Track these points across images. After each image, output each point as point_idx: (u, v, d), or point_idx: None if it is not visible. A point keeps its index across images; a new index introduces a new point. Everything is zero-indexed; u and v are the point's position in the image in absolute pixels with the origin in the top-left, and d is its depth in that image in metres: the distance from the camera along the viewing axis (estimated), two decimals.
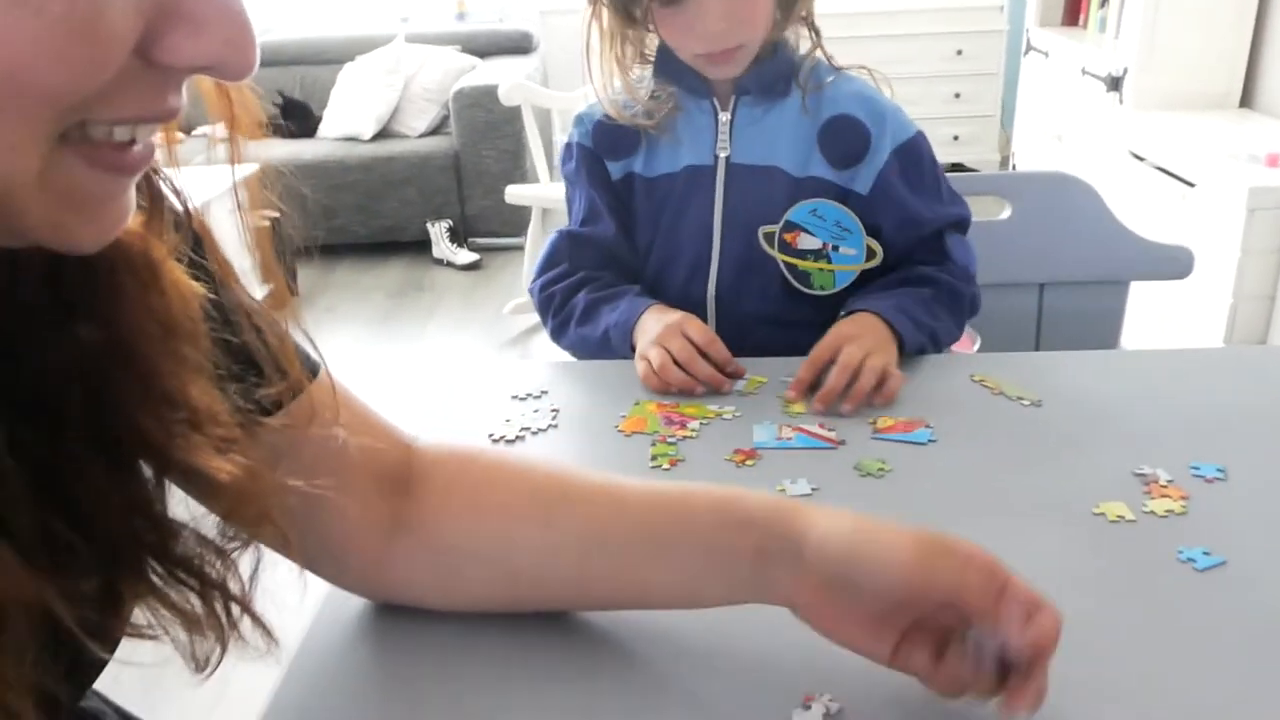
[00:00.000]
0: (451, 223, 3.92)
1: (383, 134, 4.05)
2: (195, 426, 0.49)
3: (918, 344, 1.06)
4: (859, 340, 1.01)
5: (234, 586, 0.52)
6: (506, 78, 3.36)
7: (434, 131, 4.08)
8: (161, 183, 0.48)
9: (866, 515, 0.58)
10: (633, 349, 1.07)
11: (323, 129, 4.12)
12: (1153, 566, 0.72)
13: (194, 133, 0.50)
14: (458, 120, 3.88)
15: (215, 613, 0.51)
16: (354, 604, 0.71)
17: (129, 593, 0.49)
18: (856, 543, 0.57)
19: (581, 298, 1.14)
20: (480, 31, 4.39)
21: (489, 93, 3.63)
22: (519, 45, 4.36)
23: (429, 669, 0.65)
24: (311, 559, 0.63)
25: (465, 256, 3.86)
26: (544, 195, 3.21)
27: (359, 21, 4.58)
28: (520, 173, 3.89)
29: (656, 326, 1.04)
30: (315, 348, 0.62)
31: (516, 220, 3.84)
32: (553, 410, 0.99)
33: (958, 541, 0.56)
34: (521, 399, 1.01)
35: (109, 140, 0.37)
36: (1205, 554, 0.72)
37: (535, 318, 3.26)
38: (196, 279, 0.50)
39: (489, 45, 4.32)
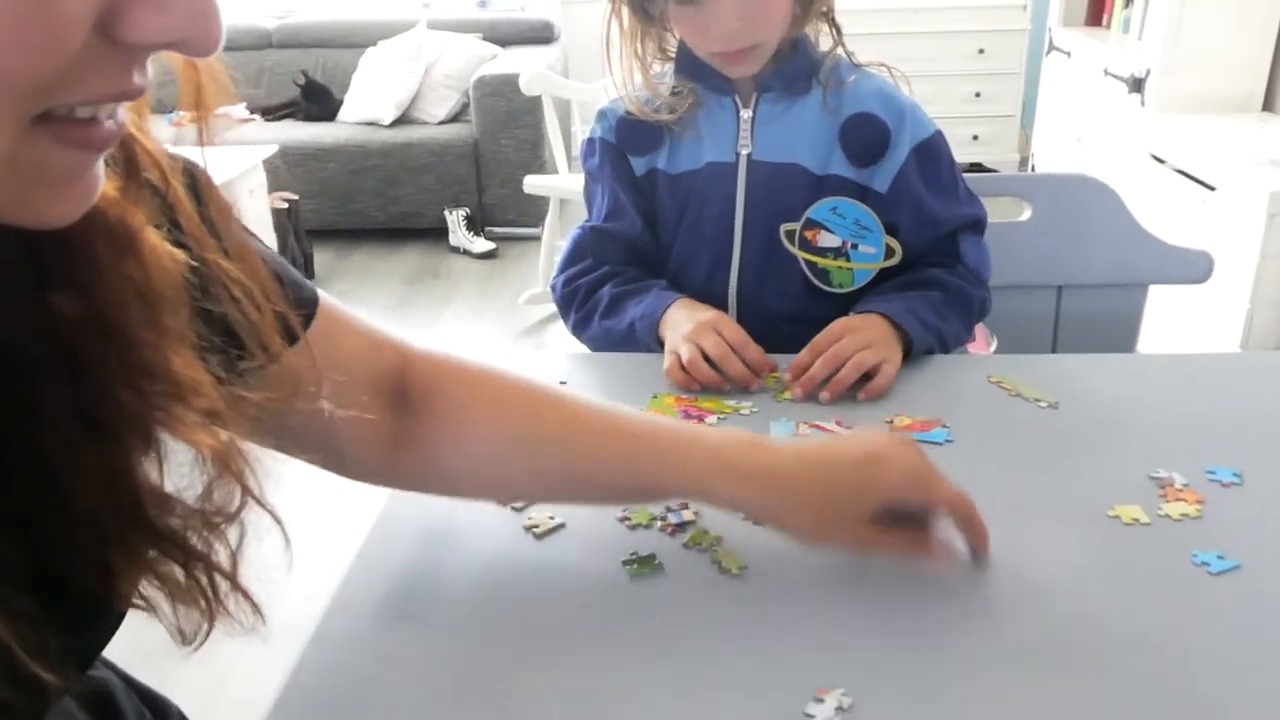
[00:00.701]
0: (469, 211, 3.93)
1: (403, 120, 4.06)
2: (177, 398, 0.48)
3: (925, 345, 1.06)
4: (858, 334, 1.02)
5: (219, 558, 0.52)
6: (527, 67, 3.37)
7: (454, 119, 4.09)
8: (137, 147, 0.47)
9: (778, 470, 0.70)
10: (658, 342, 1.07)
11: (343, 113, 4.14)
12: (1167, 570, 0.73)
13: (171, 115, 0.51)
14: (478, 108, 3.89)
15: (200, 584, 0.51)
16: (367, 592, 0.72)
17: (120, 563, 0.49)
18: (762, 521, 0.73)
19: (606, 291, 1.14)
20: (502, 20, 4.40)
21: (509, 82, 3.64)
22: (540, 35, 4.36)
23: (442, 656, 0.66)
24: (320, 462, 0.68)
25: (481, 245, 3.87)
26: (562, 186, 3.22)
27: (381, 6, 4.59)
28: (539, 163, 3.90)
29: (688, 323, 1.05)
30: (303, 287, 0.65)
31: (534, 210, 3.85)
32: None
33: (863, 485, 0.70)
34: None
35: (72, 117, 0.37)
36: (1220, 558, 0.73)
37: (550, 309, 3.29)
38: (180, 245, 0.49)
39: (510, 34, 4.33)
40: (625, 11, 1.11)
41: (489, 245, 3.88)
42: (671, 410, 0.97)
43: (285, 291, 0.58)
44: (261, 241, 0.61)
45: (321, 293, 0.68)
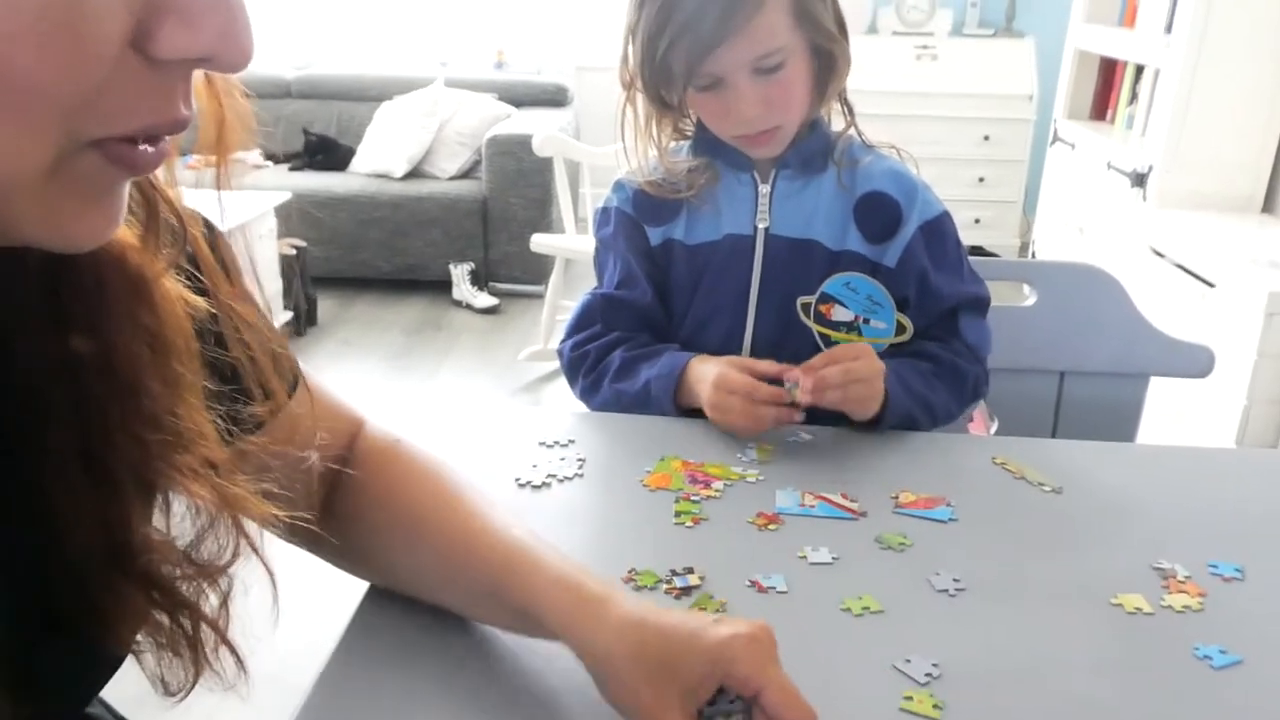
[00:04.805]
0: (474, 265, 3.96)
1: (414, 173, 4.11)
2: (179, 447, 0.48)
3: (904, 408, 1.08)
4: (872, 364, 1.04)
5: (206, 609, 0.52)
6: (541, 129, 3.43)
7: (464, 175, 4.14)
8: (159, 196, 0.48)
9: (631, 637, 0.60)
10: (673, 401, 1.09)
11: (355, 164, 4.19)
12: (1169, 661, 0.73)
13: (188, 157, 0.51)
14: (489, 166, 3.94)
15: (186, 635, 0.51)
16: (372, 637, 0.72)
17: (111, 608, 0.48)
18: (599, 683, 0.61)
19: (618, 355, 1.16)
20: (518, 82, 4.48)
21: (522, 142, 3.69)
22: (554, 98, 4.44)
23: (444, 705, 0.66)
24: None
25: (485, 300, 3.89)
26: (568, 246, 3.25)
27: (399, 63, 4.68)
28: (546, 221, 3.94)
29: (713, 369, 1.07)
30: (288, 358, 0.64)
31: (538, 268, 3.88)
32: (579, 459, 1.00)
33: (686, 663, 0.59)
34: (549, 446, 1.03)
35: (114, 136, 0.38)
36: (1222, 652, 0.73)
37: (549, 366, 3.31)
38: (199, 291, 0.50)
39: (525, 95, 4.40)
40: (640, 99, 1.14)
41: (492, 301, 3.90)
42: (678, 473, 0.98)
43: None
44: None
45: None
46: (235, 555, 0.52)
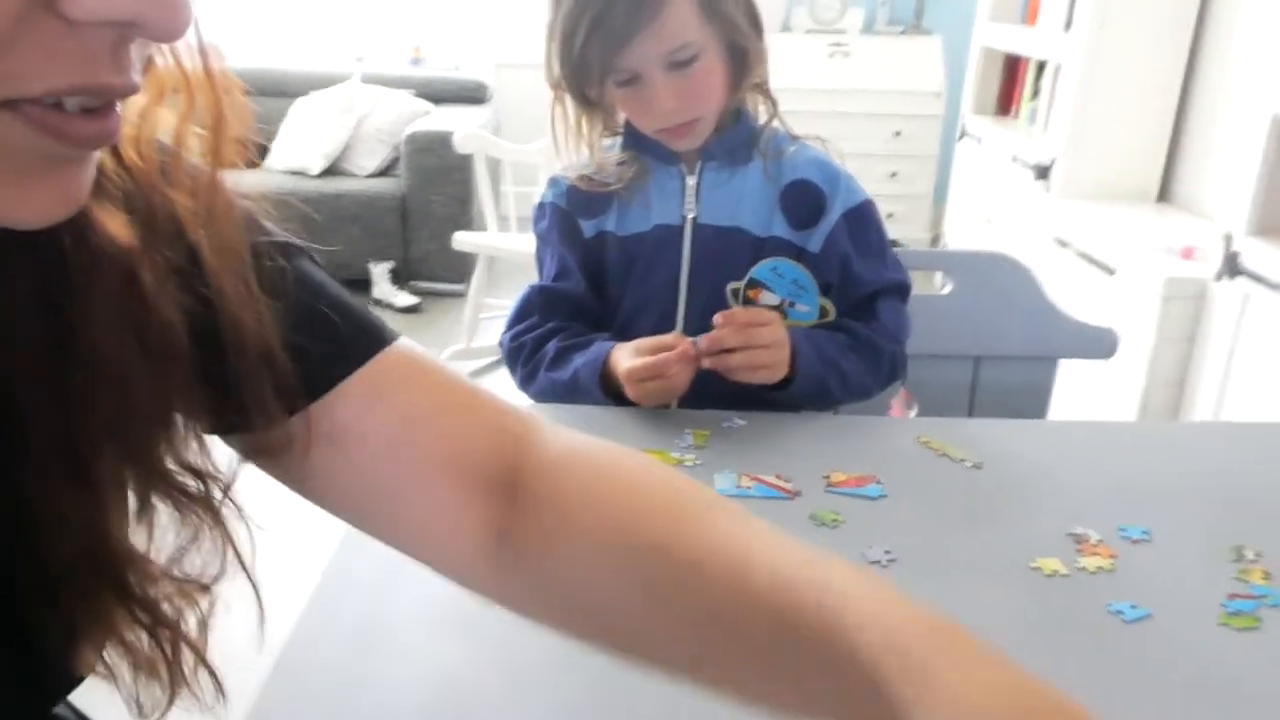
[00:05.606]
0: (394, 264, 3.93)
1: (331, 171, 4.06)
2: (165, 452, 0.47)
3: (815, 370, 1.13)
4: (776, 331, 1.09)
5: (188, 629, 0.49)
6: (461, 126, 3.42)
7: (383, 172, 4.11)
8: (157, 197, 0.46)
9: (1007, 689, 0.42)
10: (600, 388, 1.12)
11: (270, 161, 4.12)
12: (1085, 617, 0.78)
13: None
14: (408, 163, 3.91)
15: (165, 655, 0.49)
16: (331, 620, 0.74)
17: (86, 624, 0.47)
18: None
19: (552, 345, 1.19)
20: (436, 78, 4.45)
21: (442, 139, 3.68)
22: (473, 95, 4.42)
23: (412, 683, 0.68)
24: (403, 549, 0.57)
25: (405, 299, 3.87)
26: (491, 244, 3.25)
27: (314, 58, 4.61)
28: (467, 219, 3.93)
29: (624, 358, 1.11)
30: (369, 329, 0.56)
31: (459, 266, 3.87)
32: None
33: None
34: None
35: (43, 103, 0.35)
36: (1133, 607, 0.79)
37: (475, 364, 3.31)
38: (200, 295, 0.47)
39: (443, 92, 4.37)
40: (568, 100, 1.17)
41: (413, 299, 3.88)
42: None
43: (315, 343, 0.52)
44: (321, 282, 0.57)
45: (405, 343, 0.58)
46: (222, 571, 0.49)
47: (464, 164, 3.73)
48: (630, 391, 1.09)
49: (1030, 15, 3.59)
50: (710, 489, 0.56)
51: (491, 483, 0.55)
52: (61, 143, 0.36)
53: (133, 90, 0.37)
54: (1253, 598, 0.80)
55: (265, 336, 0.49)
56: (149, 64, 0.40)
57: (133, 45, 0.36)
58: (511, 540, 0.54)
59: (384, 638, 0.73)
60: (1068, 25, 3.13)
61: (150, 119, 0.45)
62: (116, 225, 0.43)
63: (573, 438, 0.58)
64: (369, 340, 0.56)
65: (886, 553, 0.86)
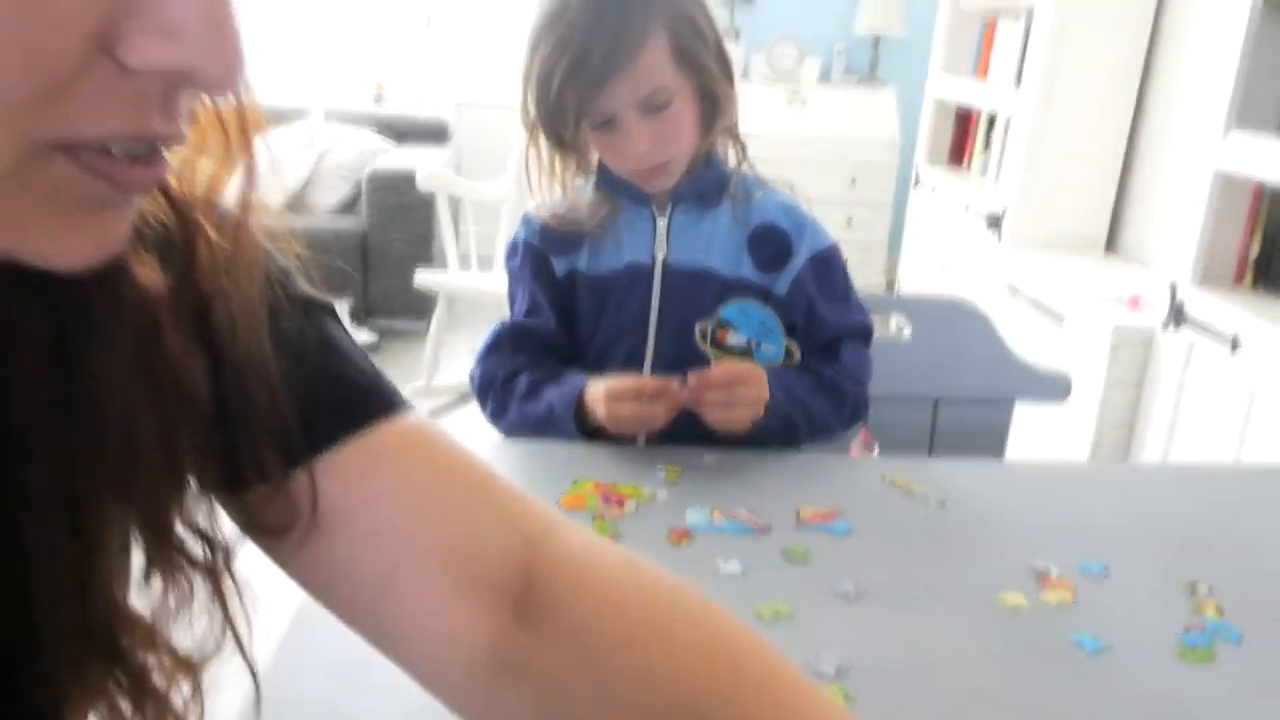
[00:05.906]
0: (353, 301, 3.92)
1: (291, 206, 4.05)
2: (168, 507, 0.45)
3: (784, 410, 1.15)
4: (761, 390, 1.12)
5: (176, 704, 0.46)
6: (422, 164, 3.44)
7: (343, 209, 4.11)
8: (200, 243, 0.45)
9: None
10: (575, 420, 1.14)
11: (228, 194, 4.09)
12: (1047, 650, 0.81)
13: None
14: (369, 201, 3.92)
15: None
16: (308, 651, 0.74)
17: (71, 688, 0.44)
18: None
19: (524, 379, 1.20)
20: (399, 117, 4.47)
21: (404, 177, 3.69)
22: (434, 133, 4.44)
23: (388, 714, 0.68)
24: (384, 650, 0.52)
25: (364, 336, 3.85)
26: (452, 282, 3.26)
27: (276, 93, 4.60)
28: (427, 257, 3.93)
29: (602, 390, 1.12)
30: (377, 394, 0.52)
31: (419, 305, 3.86)
32: None
33: None
34: None
35: (91, 145, 0.34)
36: (1093, 639, 0.81)
37: (434, 402, 3.30)
38: (214, 346, 0.46)
39: (405, 130, 4.39)
40: (543, 141, 1.20)
41: (372, 337, 3.87)
42: (592, 495, 1.02)
43: (314, 402, 0.49)
44: (338, 342, 0.54)
45: (419, 417, 0.53)
46: (221, 645, 0.47)
47: (425, 202, 3.74)
48: (605, 409, 1.10)
49: (981, 69, 3.70)
50: (773, 647, 0.48)
51: (498, 589, 0.49)
52: (115, 188, 0.36)
53: (180, 140, 0.37)
54: (1207, 630, 0.83)
55: (270, 393, 0.47)
56: (192, 112, 0.40)
57: (182, 94, 0.36)
58: (514, 664, 0.48)
59: (360, 672, 0.74)
60: (1018, 80, 3.23)
61: (190, 167, 0.45)
62: (146, 271, 0.43)
63: (602, 547, 0.52)
64: (372, 404, 0.51)
65: (855, 586, 0.88)
